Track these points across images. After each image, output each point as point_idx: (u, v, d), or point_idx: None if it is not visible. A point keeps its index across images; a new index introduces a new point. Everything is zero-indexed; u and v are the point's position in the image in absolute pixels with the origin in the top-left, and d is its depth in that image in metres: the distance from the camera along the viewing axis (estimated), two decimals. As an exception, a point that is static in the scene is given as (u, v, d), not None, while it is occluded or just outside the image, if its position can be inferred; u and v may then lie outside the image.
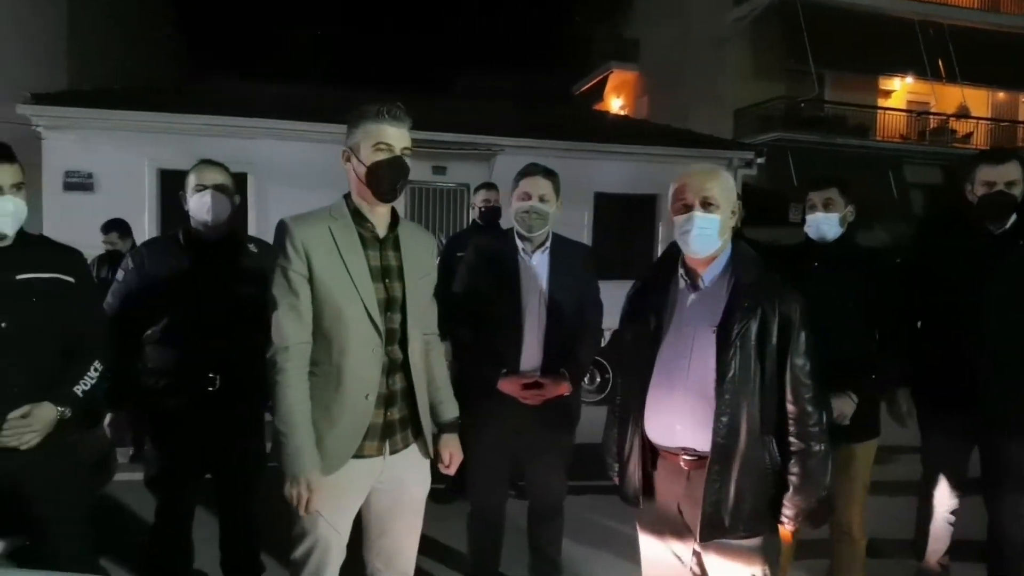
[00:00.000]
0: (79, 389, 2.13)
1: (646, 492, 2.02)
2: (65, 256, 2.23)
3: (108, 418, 2.80)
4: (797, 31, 16.32)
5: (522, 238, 2.76)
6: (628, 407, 2.04)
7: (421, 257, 2.16)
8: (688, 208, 1.92)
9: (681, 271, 2.01)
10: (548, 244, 2.78)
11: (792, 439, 1.88)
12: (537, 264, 2.75)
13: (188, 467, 2.69)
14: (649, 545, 2.09)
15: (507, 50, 32.68)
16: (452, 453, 2.27)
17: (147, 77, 16.08)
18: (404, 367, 2.08)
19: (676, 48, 19.56)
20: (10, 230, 2.03)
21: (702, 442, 1.88)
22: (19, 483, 2.06)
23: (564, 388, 2.69)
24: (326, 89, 12.22)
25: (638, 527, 2.13)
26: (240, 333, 2.46)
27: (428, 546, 3.37)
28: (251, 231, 8.48)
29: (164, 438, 2.68)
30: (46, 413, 2.04)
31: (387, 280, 2.05)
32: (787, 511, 1.89)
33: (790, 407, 1.87)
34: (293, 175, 9.17)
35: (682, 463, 1.93)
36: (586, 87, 25.68)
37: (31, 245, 2.14)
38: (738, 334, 1.83)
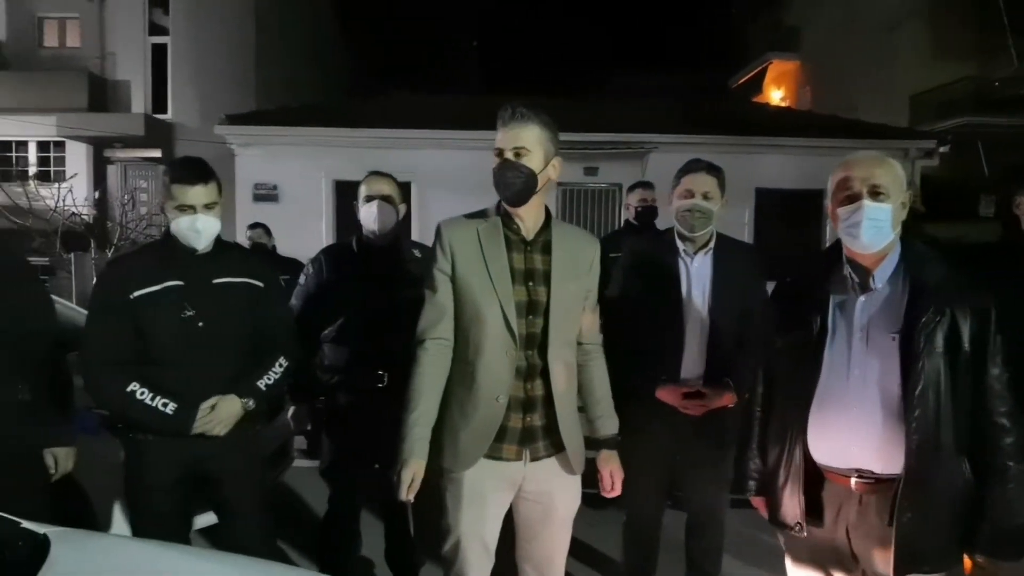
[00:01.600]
0: (263, 383, 2.34)
1: (807, 517, 1.84)
2: (255, 263, 2.48)
3: (291, 410, 3.06)
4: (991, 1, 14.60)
5: (683, 239, 2.64)
6: (785, 423, 1.86)
7: (574, 261, 2.10)
8: (854, 198, 1.74)
9: (847, 270, 1.81)
10: (711, 245, 2.64)
11: (988, 458, 1.67)
12: (699, 266, 2.62)
13: (358, 459, 2.86)
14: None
15: (659, 47, 32.03)
16: (612, 471, 2.19)
17: (323, 95, 17.45)
18: (544, 373, 2.04)
19: (842, 33, 18.24)
20: (200, 245, 2.27)
21: (880, 463, 1.71)
22: (209, 468, 2.31)
23: (728, 399, 2.55)
24: (484, 97, 12.62)
25: (790, 557, 1.97)
26: (405, 334, 2.60)
27: (581, 550, 3.40)
28: (414, 237, 8.96)
29: (337, 431, 2.89)
30: (232, 405, 2.26)
31: (530, 283, 2.03)
32: (982, 541, 1.69)
33: (986, 422, 1.67)
34: (453, 182, 9.55)
35: (853, 486, 1.76)
36: (743, 80, 24.61)
37: (226, 253, 2.39)
38: (925, 342, 1.65)
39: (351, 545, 3.06)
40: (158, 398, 2.16)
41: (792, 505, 1.85)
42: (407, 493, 1.96)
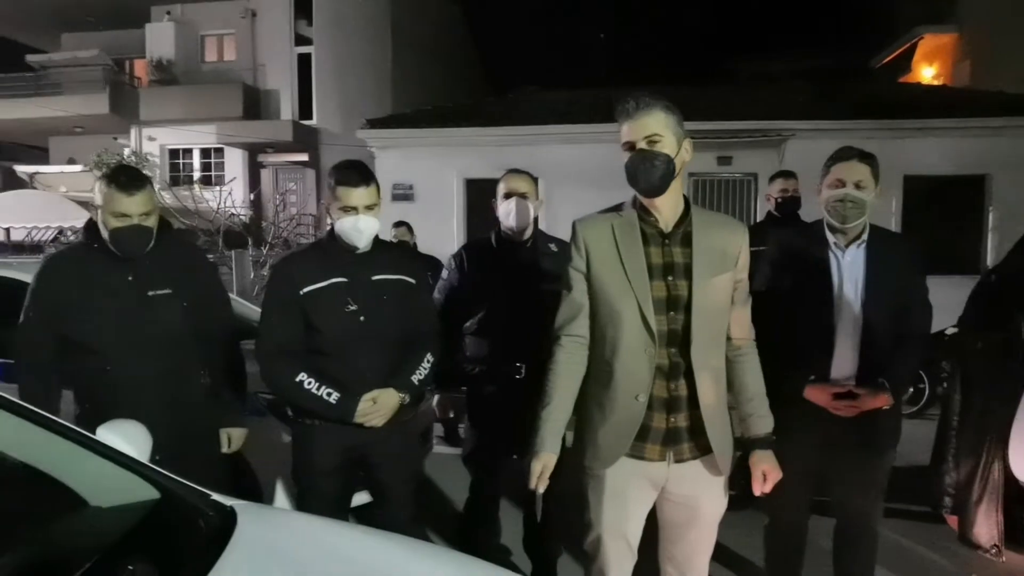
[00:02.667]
0: (415, 378, 2.48)
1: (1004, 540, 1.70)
2: (408, 261, 2.62)
3: (435, 399, 3.21)
4: None
5: (834, 230, 2.50)
6: (983, 433, 1.73)
7: (719, 252, 1.99)
8: None
9: None
10: (864, 237, 2.48)
11: None
12: (852, 259, 2.47)
13: (499, 448, 2.96)
14: None
15: (794, 28, 30.31)
16: (767, 471, 2.08)
17: (455, 95, 17.98)
18: (689, 373, 1.96)
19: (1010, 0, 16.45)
20: (361, 244, 2.41)
21: None
22: (368, 454, 2.47)
23: (883, 400, 2.39)
24: (611, 89, 12.52)
25: None
26: (542, 326, 2.67)
27: (719, 552, 3.30)
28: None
29: (479, 419, 3.01)
30: (391, 398, 2.40)
31: (670, 278, 1.96)
32: None
33: None
34: (580, 176, 9.54)
35: None
36: (889, 58, 22.79)
37: (383, 251, 2.54)
38: None
39: (490, 532, 3.16)
40: (323, 387, 2.33)
41: (988, 525, 1.72)
42: (536, 484, 2.00)
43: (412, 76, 18.99)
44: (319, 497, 2.41)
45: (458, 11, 23.28)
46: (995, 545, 1.66)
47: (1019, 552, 1.65)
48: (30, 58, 18.67)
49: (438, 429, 5.04)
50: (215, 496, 1.62)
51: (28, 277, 2.61)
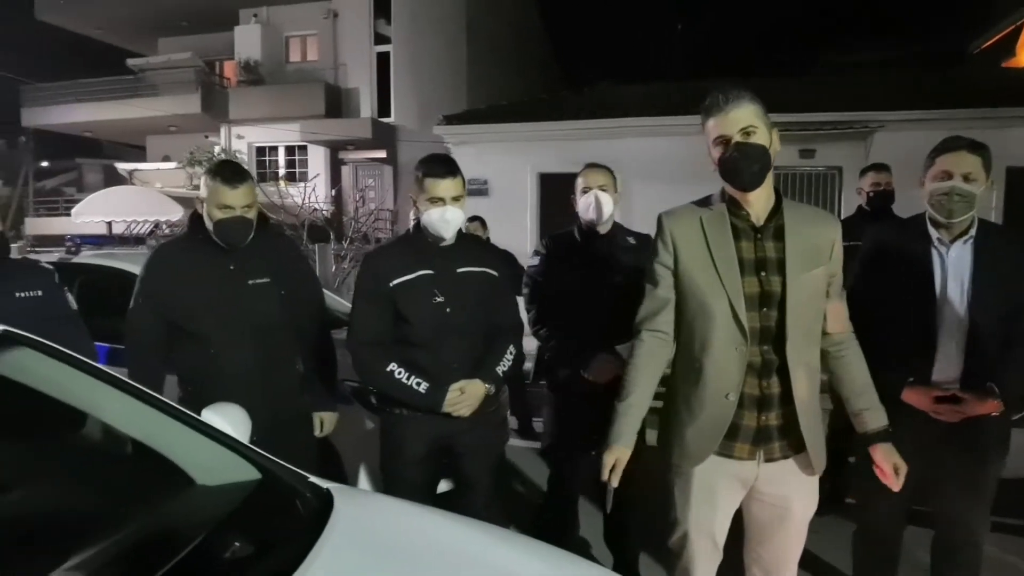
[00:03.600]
0: (500, 369, 2.52)
1: None
2: (491, 254, 2.66)
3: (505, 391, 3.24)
4: None
5: (937, 225, 2.36)
6: None
7: (813, 246, 1.93)
8: None
9: None
10: (972, 232, 2.34)
11: None
12: (957, 256, 2.33)
13: (577, 441, 2.97)
14: None
15: (881, 14, 28.94)
16: (897, 465, 2.00)
17: (529, 90, 18.04)
18: (782, 370, 1.91)
19: None
20: (448, 235, 2.46)
21: None
22: (454, 443, 2.52)
23: (992, 407, 2.24)
24: (685, 82, 12.28)
25: None
26: (621, 320, 2.66)
27: (802, 556, 3.20)
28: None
29: (558, 413, 3.03)
30: (478, 389, 2.45)
31: (763, 273, 1.90)
32: None
33: None
34: (655, 169, 9.40)
35: None
36: (989, 43, 21.42)
37: (467, 244, 2.59)
38: None
39: (568, 526, 3.18)
40: (413, 377, 2.39)
41: None
42: (608, 476, 1.98)
43: (487, 73, 19.14)
44: (407, 484, 2.47)
45: (533, 8, 23.31)
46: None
47: None
48: (130, 62, 19.78)
49: (512, 422, 5.10)
50: (312, 478, 1.69)
51: (133, 267, 2.78)
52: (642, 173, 9.66)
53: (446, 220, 2.41)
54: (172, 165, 18.52)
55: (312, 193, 13.11)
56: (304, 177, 17.31)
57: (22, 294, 2.57)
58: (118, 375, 1.62)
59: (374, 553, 1.41)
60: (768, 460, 1.97)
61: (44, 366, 1.47)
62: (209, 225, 2.48)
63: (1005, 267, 2.30)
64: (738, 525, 2.13)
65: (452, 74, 18.47)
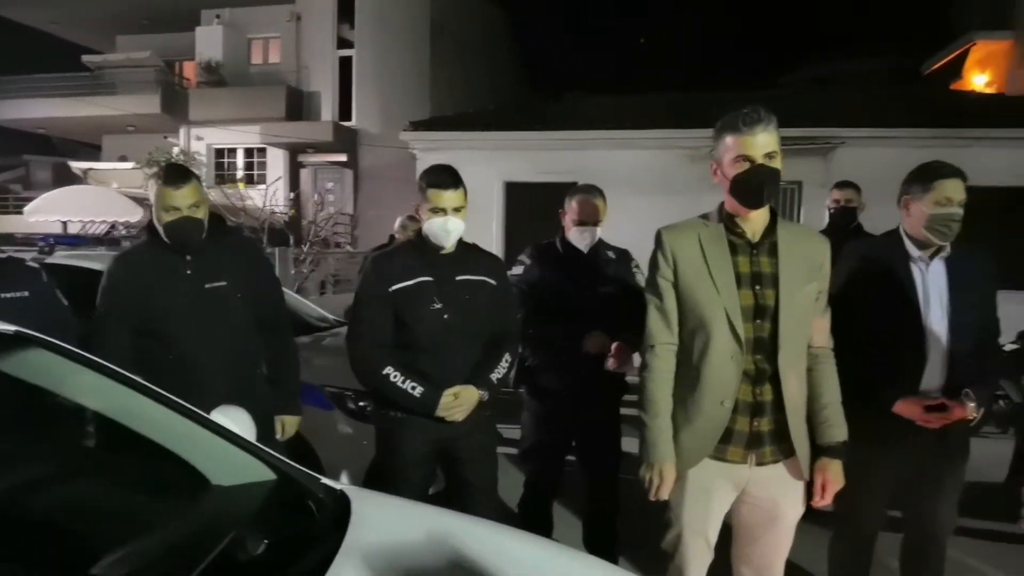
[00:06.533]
0: (495, 376, 2.55)
1: None
2: (490, 262, 2.69)
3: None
4: None
5: (918, 244, 2.49)
6: None
7: (805, 262, 2.05)
8: None
9: None
10: (947, 250, 2.47)
11: None
12: (935, 272, 2.47)
13: (556, 447, 3.05)
14: None
15: (840, 32, 29.94)
16: (827, 480, 2.07)
17: (495, 99, 18.12)
18: (774, 378, 2.01)
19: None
20: (448, 244, 2.50)
21: None
22: (449, 448, 2.55)
23: (970, 412, 2.37)
24: (654, 96, 12.50)
25: None
26: (603, 328, 2.77)
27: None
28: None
29: (538, 418, 3.07)
30: (472, 394, 2.48)
31: (758, 287, 2.01)
32: None
33: None
34: (622, 181, 9.49)
35: None
36: (939, 64, 22.32)
37: (467, 253, 2.62)
38: None
39: (545, 529, 3.21)
40: (408, 381, 2.41)
41: None
42: (658, 494, 2.06)
43: (452, 79, 19.16)
44: (401, 487, 2.47)
45: (500, 15, 23.41)
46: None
47: None
48: (86, 58, 19.27)
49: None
50: (324, 480, 1.69)
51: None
52: (610, 185, 9.69)
53: (447, 230, 2.45)
54: (129, 165, 18.05)
55: (272, 196, 12.94)
56: (263, 180, 17.08)
57: (7, 295, 2.50)
58: (132, 376, 1.60)
59: (400, 554, 1.42)
60: (759, 464, 2.06)
61: (57, 367, 1.45)
62: (160, 229, 2.51)
63: (975, 282, 2.46)
64: (726, 526, 2.20)
65: (416, 79, 18.43)
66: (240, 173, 18.47)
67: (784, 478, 2.09)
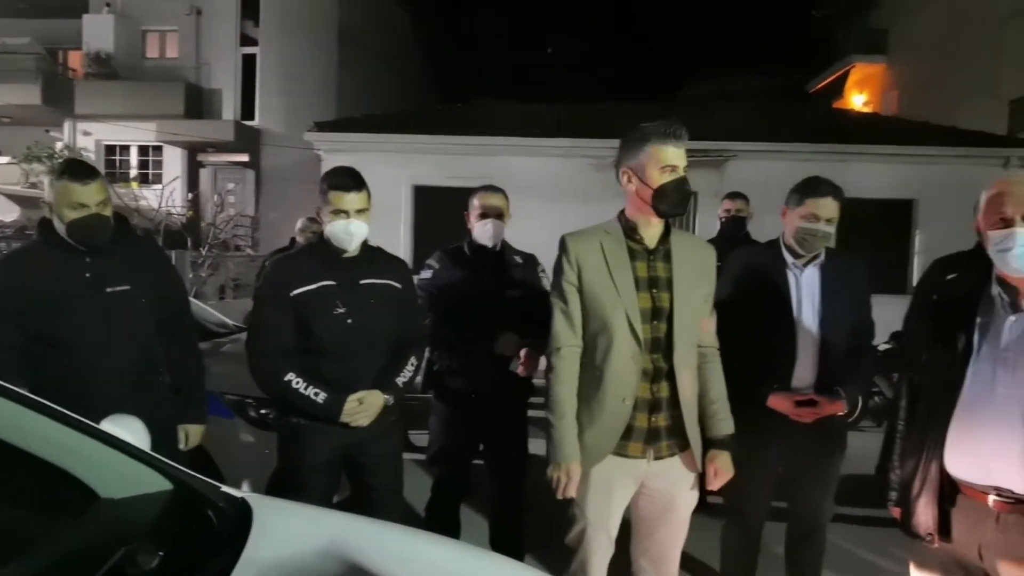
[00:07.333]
0: (400, 380, 2.54)
1: (938, 530, 1.85)
2: (395, 265, 2.67)
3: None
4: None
5: (793, 252, 2.70)
6: (924, 435, 1.88)
7: (694, 267, 2.20)
8: (1007, 223, 1.73)
9: (997, 289, 1.81)
10: (821, 258, 2.70)
11: None
12: (808, 278, 2.68)
13: (463, 450, 3.07)
14: None
15: (735, 50, 31.58)
16: (719, 469, 2.22)
17: (402, 102, 17.95)
18: (670, 376, 2.14)
19: (937, 34, 17.50)
20: (351, 247, 2.47)
21: (1021, 483, 1.70)
22: (354, 454, 2.52)
23: (839, 407, 2.58)
24: (559, 104, 12.74)
25: (916, 565, 1.98)
26: (509, 330, 2.82)
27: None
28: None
29: (446, 422, 3.08)
30: (376, 399, 2.46)
31: (654, 290, 2.14)
32: None
33: None
34: (529, 187, 9.64)
35: (991, 504, 1.75)
36: (823, 84, 23.90)
37: (371, 256, 2.59)
38: None
39: (452, 531, 3.22)
40: (310, 387, 2.37)
41: (926, 516, 1.86)
42: (565, 492, 2.12)
43: (360, 81, 18.86)
44: (306, 495, 2.42)
45: (409, 21, 23.27)
46: (930, 533, 1.85)
47: (946, 541, 1.85)
48: (-46, 43, 17.72)
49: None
50: (225, 488, 1.64)
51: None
52: (518, 191, 9.81)
53: (350, 232, 2.43)
54: (4, 160, 16.74)
55: (169, 196, 12.33)
56: (159, 179, 16.25)
57: None
58: (10, 386, 1.50)
59: (303, 561, 1.40)
60: (657, 458, 2.18)
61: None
62: (61, 228, 2.35)
63: (847, 287, 2.68)
64: (625, 520, 2.29)
65: (322, 80, 18.05)
66: (134, 172, 17.50)
67: (679, 471, 2.22)
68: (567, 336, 2.18)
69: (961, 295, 1.90)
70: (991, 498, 1.75)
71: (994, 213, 1.77)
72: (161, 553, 1.28)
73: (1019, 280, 1.76)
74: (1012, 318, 1.76)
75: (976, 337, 1.81)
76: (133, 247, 2.57)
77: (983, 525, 1.77)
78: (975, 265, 1.90)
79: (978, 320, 1.82)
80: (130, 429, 1.67)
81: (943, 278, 2.92)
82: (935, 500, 1.84)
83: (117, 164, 17.73)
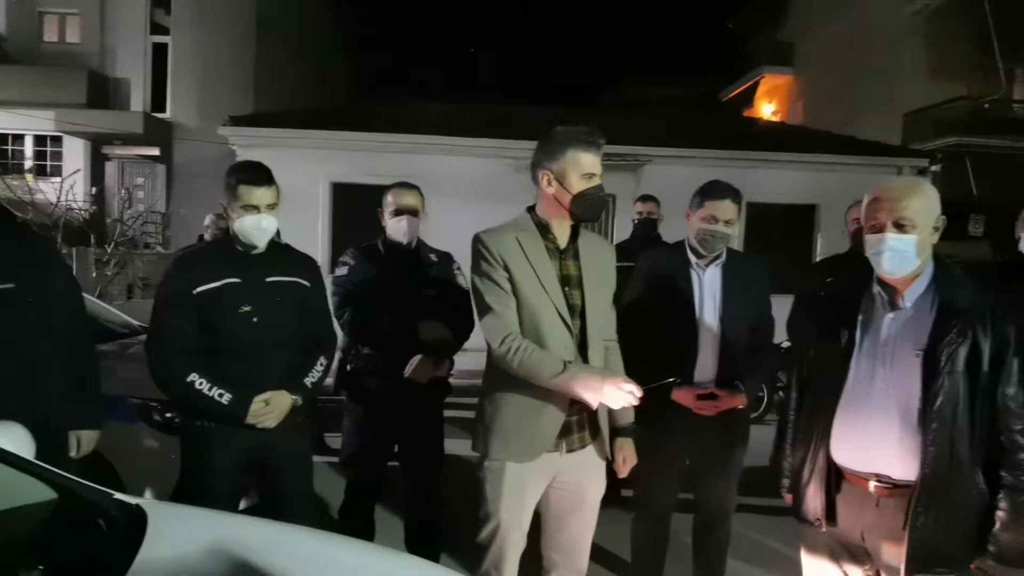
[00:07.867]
0: (308, 380, 2.49)
1: (826, 515, 1.97)
2: (304, 263, 2.61)
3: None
4: (982, 23, 14.84)
5: (696, 253, 2.80)
6: (812, 426, 2.00)
7: (600, 267, 2.27)
8: (879, 228, 1.83)
9: (877, 288, 1.93)
10: (722, 258, 2.80)
11: (1002, 473, 1.78)
12: (710, 277, 2.78)
13: (378, 452, 3.01)
14: (817, 568, 2.06)
15: (653, 59, 32.48)
16: (627, 456, 2.31)
17: (322, 98, 17.51)
18: None
19: (838, 49, 18.51)
20: (261, 243, 2.41)
21: (898, 469, 1.83)
22: (262, 456, 2.45)
23: (739, 401, 2.70)
24: (481, 105, 12.77)
25: (806, 549, 2.10)
26: (427, 331, 2.79)
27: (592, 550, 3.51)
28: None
29: (361, 423, 3.02)
30: (284, 400, 2.40)
31: (567, 288, 2.18)
32: (993, 548, 1.79)
33: (1001, 439, 1.78)
34: (449, 187, 9.61)
35: (872, 489, 1.88)
36: (735, 92, 24.87)
37: (279, 253, 2.53)
38: (947, 360, 1.75)
39: (366, 534, 3.18)
40: (215, 388, 2.29)
41: (814, 502, 1.98)
42: (635, 401, 2.03)
43: (279, 76, 18.27)
44: (212, 500, 2.34)
45: (331, 17, 22.77)
46: (818, 518, 1.99)
47: (833, 525, 1.99)
48: None
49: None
50: (118, 495, 1.57)
51: None
52: (437, 190, 9.80)
53: (261, 228, 2.37)
54: None
55: (70, 190, 11.63)
56: (58, 172, 15.27)
57: None
58: None
59: (199, 568, 1.35)
60: (569, 451, 2.22)
61: None
62: None
63: (747, 287, 2.80)
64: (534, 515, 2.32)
65: (239, 73, 17.38)
66: (29, 163, 16.36)
67: (589, 461, 2.28)
68: (513, 324, 2.12)
69: (844, 293, 2.02)
70: (871, 484, 1.88)
71: (870, 218, 1.88)
72: (41, 567, 1.21)
73: (896, 280, 1.88)
74: (890, 315, 1.89)
75: (858, 333, 1.93)
76: (20, 243, 2.40)
77: (865, 509, 1.90)
78: (860, 265, 2.01)
79: (860, 317, 1.94)
80: (11, 436, 1.57)
81: (824, 279, 3.10)
82: (823, 487, 1.96)
83: (10, 154, 16.56)
